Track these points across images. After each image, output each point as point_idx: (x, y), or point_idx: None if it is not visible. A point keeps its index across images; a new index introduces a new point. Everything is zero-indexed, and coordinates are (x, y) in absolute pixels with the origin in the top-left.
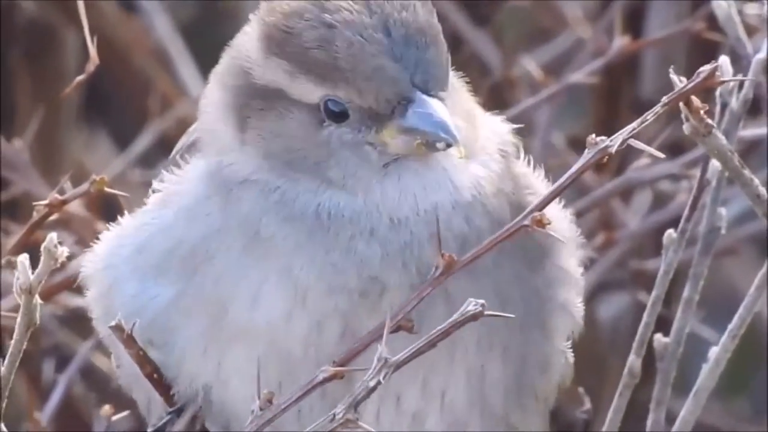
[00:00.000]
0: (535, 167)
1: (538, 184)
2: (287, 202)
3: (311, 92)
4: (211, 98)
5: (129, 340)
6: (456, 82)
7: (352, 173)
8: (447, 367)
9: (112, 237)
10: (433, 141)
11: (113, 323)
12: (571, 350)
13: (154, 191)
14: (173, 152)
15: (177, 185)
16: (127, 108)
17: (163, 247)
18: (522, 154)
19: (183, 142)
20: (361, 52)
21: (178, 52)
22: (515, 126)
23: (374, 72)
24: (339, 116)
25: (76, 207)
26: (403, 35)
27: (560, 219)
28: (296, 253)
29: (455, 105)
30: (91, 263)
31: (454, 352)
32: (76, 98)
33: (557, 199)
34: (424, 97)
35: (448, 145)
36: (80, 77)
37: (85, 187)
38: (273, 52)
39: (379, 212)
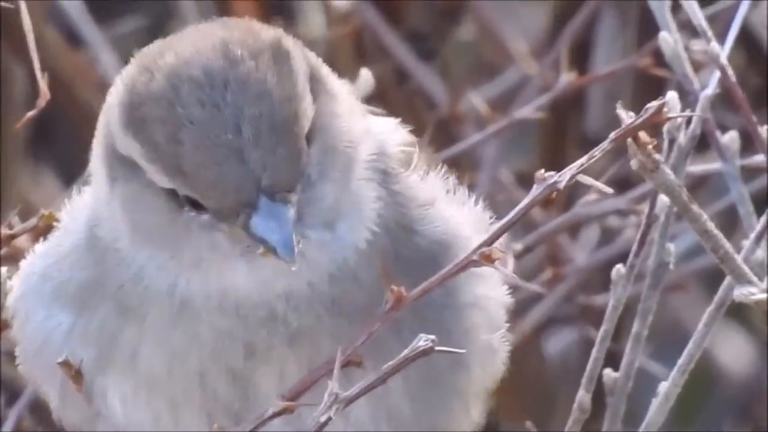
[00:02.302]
0: (426, 171)
1: (425, 191)
2: (145, 278)
3: (163, 182)
4: (97, 140)
5: (77, 377)
6: (336, 106)
7: (207, 257)
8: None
9: (26, 265)
10: (273, 253)
11: (60, 359)
12: (503, 343)
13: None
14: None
15: (70, 221)
16: (74, 141)
17: (59, 279)
18: (414, 162)
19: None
20: (206, 157)
21: None
22: (407, 136)
23: (218, 179)
24: (197, 205)
25: (24, 242)
26: (254, 134)
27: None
28: (170, 327)
29: (326, 150)
30: (12, 292)
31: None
32: (22, 132)
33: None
34: (270, 204)
35: (283, 261)
36: (31, 112)
37: (33, 221)
38: (131, 131)
39: (230, 297)
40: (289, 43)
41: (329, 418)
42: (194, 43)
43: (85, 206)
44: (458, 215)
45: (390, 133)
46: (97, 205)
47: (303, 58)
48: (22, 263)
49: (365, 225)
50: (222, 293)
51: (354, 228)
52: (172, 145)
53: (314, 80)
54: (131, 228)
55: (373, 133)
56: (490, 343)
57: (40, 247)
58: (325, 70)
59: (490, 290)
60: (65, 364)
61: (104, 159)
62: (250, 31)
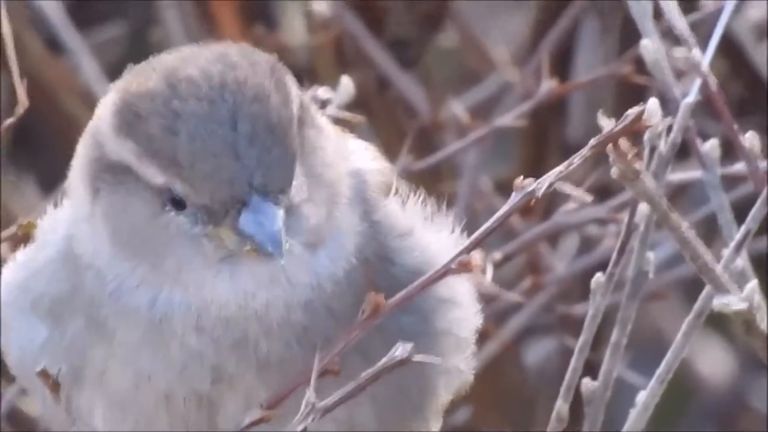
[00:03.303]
0: (407, 197)
1: (403, 221)
2: (123, 294)
3: (155, 176)
4: (78, 156)
5: (54, 386)
6: (319, 136)
7: (186, 265)
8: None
9: (7, 273)
10: (262, 252)
11: (38, 369)
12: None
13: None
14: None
15: (48, 233)
16: (54, 150)
17: (35, 292)
18: (393, 191)
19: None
20: (201, 149)
21: (104, 94)
22: (386, 164)
23: (212, 171)
24: (179, 204)
25: (4, 250)
26: (250, 131)
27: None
28: (139, 347)
29: (311, 177)
30: None
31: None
32: (2, 141)
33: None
34: (260, 201)
35: (272, 259)
36: (10, 120)
37: (12, 230)
38: (123, 131)
39: (208, 309)
40: (284, 68)
41: (305, 429)
42: (191, 51)
43: (63, 219)
44: (436, 243)
45: (370, 162)
46: (75, 225)
47: (295, 86)
48: (4, 271)
49: (344, 256)
50: (201, 306)
51: (334, 258)
52: (168, 136)
53: (303, 109)
54: (112, 239)
55: (354, 164)
56: (457, 366)
57: (20, 256)
58: (313, 107)
59: (464, 313)
60: (43, 374)
61: (87, 173)
62: (245, 47)
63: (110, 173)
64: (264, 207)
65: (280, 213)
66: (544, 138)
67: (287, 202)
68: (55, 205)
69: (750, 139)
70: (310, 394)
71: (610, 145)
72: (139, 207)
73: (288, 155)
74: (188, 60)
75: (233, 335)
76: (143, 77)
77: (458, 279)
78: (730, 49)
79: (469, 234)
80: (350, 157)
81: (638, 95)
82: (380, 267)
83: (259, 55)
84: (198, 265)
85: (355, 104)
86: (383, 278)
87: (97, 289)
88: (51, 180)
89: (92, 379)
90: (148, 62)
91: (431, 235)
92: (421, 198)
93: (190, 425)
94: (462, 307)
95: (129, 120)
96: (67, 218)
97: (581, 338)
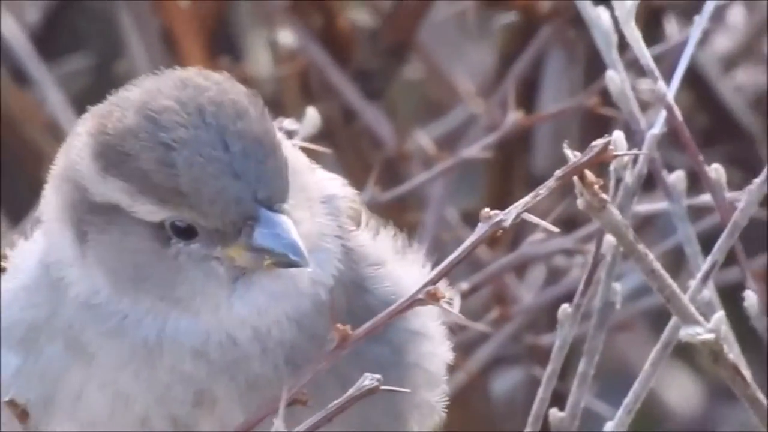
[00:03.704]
0: (377, 230)
1: (376, 252)
2: (119, 326)
3: (154, 213)
4: (49, 203)
5: (23, 416)
6: (295, 161)
7: (201, 290)
8: None
9: None
10: (284, 262)
11: (6, 398)
12: (440, 400)
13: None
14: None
15: (19, 265)
16: (20, 181)
17: (7, 322)
18: (363, 219)
19: (36, 212)
20: (202, 173)
21: (70, 125)
22: (354, 194)
23: (217, 194)
24: (186, 233)
25: None
26: (242, 149)
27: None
28: (120, 369)
29: (297, 195)
30: None
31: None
32: None
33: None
34: (270, 214)
35: (295, 265)
36: None
37: None
38: (110, 172)
39: (218, 333)
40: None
41: None
42: (153, 83)
43: (35, 250)
44: (407, 276)
45: (339, 189)
46: (63, 268)
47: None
48: None
49: (332, 265)
50: (210, 329)
51: (324, 266)
52: (164, 168)
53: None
54: (112, 278)
55: (326, 191)
56: (429, 401)
57: None
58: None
59: (434, 348)
60: (11, 404)
61: (67, 218)
62: (197, 70)
63: (97, 215)
64: (275, 219)
65: (291, 222)
66: (510, 169)
67: (287, 210)
68: (25, 237)
69: (716, 170)
70: (278, 424)
71: (576, 177)
72: (137, 244)
73: (280, 164)
74: (154, 91)
75: (230, 356)
76: (116, 116)
77: (430, 314)
78: (696, 81)
79: (436, 265)
80: (321, 183)
81: (604, 127)
82: (355, 293)
83: (214, 74)
84: (212, 289)
85: (321, 135)
86: (358, 305)
87: (83, 319)
88: (16, 211)
89: (65, 404)
90: (111, 101)
91: (402, 269)
92: (392, 232)
93: None
94: (433, 341)
95: (115, 160)
96: (39, 249)
97: (548, 368)
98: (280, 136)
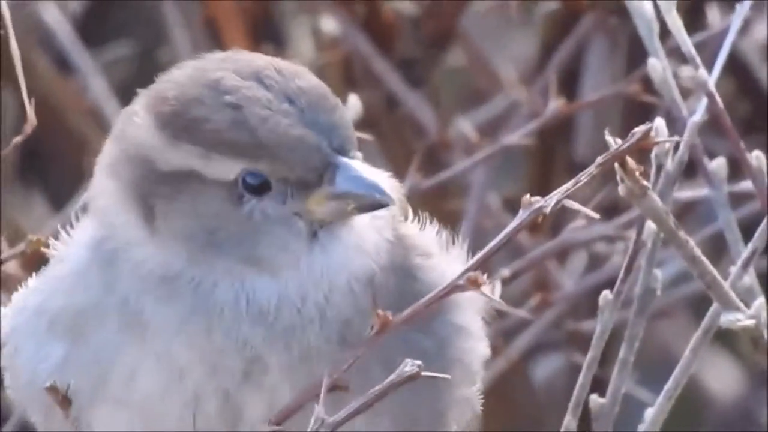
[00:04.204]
0: (424, 224)
1: (424, 242)
2: (192, 294)
3: (228, 170)
4: (104, 190)
5: (64, 402)
6: None
7: (280, 247)
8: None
9: (18, 299)
10: (369, 203)
11: (48, 384)
12: (478, 397)
13: (53, 251)
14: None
15: (67, 250)
16: (63, 168)
17: (53, 311)
18: (410, 214)
19: (81, 201)
20: (278, 125)
21: (113, 113)
22: (398, 184)
23: (298, 142)
24: (259, 189)
25: (12, 267)
26: (308, 102)
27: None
28: (176, 336)
29: None
30: (4, 326)
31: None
32: (12, 159)
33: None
34: (347, 160)
35: (383, 206)
36: (18, 138)
37: (21, 247)
38: (181, 138)
39: (293, 292)
40: None
41: None
42: (198, 63)
43: (81, 236)
44: (452, 270)
45: (387, 180)
46: (129, 252)
47: None
48: (14, 296)
49: (382, 251)
50: (287, 289)
51: (377, 245)
52: (238, 126)
53: None
54: (187, 247)
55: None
56: (467, 397)
57: (33, 282)
58: None
59: (475, 344)
60: (53, 390)
61: (131, 197)
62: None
63: (168, 185)
64: (353, 164)
65: (368, 166)
66: (551, 156)
67: (360, 157)
68: (70, 226)
69: (757, 157)
70: (319, 410)
71: (617, 163)
72: (210, 207)
73: (345, 114)
74: (203, 67)
75: (290, 322)
76: (173, 91)
77: (473, 309)
78: (737, 69)
79: (477, 252)
80: None
81: (645, 114)
82: (406, 279)
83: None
84: (291, 244)
85: (364, 123)
86: (408, 292)
87: (139, 288)
88: (60, 197)
89: (117, 388)
90: (161, 81)
91: (447, 263)
92: (437, 226)
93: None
94: (474, 337)
95: (184, 127)
96: (87, 236)
97: (589, 355)
98: None
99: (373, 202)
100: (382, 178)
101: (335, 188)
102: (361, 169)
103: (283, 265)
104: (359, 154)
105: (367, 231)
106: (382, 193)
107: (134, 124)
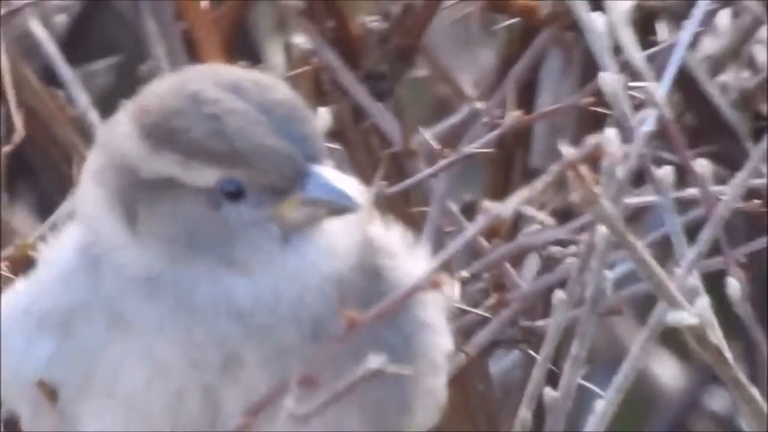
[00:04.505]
0: (389, 227)
1: (391, 243)
2: (184, 293)
3: (207, 177)
4: (90, 197)
5: (52, 395)
6: None
7: (254, 249)
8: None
9: (8, 299)
10: (338, 208)
11: (38, 380)
12: (445, 388)
13: (40, 254)
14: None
15: (55, 253)
16: (50, 176)
17: (42, 311)
18: (375, 216)
19: (67, 207)
20: (254, 135)
21: (96, 123)
22: (374, 190)
23: (272, 152)
24: (236, 195)
25: (1, 269)
26: (282, 115)
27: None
28: (158, 333)
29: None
30: None
31: None
32: (1, 165)
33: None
34: (319, 168)
35: (351, 211)
36: (6, 147)
37: (10, 250)
38: (162, 147)
39: (266, 292)
40: None
41: None
42: (177, 77)
43: (69, 241)
44: (416, 270)
45: (355, 186)
46: (113, 255)
47: None
48: (3, 297)
49: (351, 252)
50: (262, 289)
51: (350, 241)
52: (215, 136)
53: None
54: (167, 248)
55: None
56: (433, 388)
57: (22, 284)
58: None
59: (439, 338)
60: (41, 384)
61: (115, 203)
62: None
63: (150, 191)
64: (323, 172)
65: (338, 173)
66: (509, 164)
67: (331, 166)
68: (57, 231)
69: (702, 166)
70: (289, 402)
71: (570, 171)
72: (190, 211)
73: (316, 126)
74: (187, 80)
75: (265, 320)
76: (156, 102)
77: (436, 306)
78: (685, 82)
79: (438, 254)
80: None
81: (597, 124)
82: (374, 279)
83: (234, 67)
84: (265, 247)
85: (333, 133)
86: (376, 292)
87: (121, 289)
88: (46, 203)
89: (104, 381)
90: (144, 94)
91: (413, 263)
92: (401, 228)
93: (194, 426)
94: (438, 332)
95: (165, 137)
96: (74, 241)
97: (543, 351)
98: None
99: (342, 208)
100: (351, 185)
101: (306, 194)
102: (331, 176)
103: (258, 266)
104: (330, 162)
105: (338, 234)
106: (350, 199)
107: (119, 134)
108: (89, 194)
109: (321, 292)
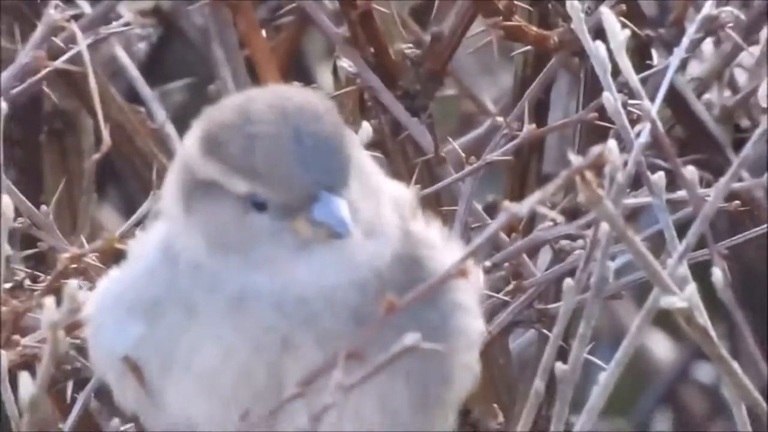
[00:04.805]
0: (430, 223)
1: (431, 236)
2: (220, 281)
3: (239, 186)
4: (169, 185)
5: (137, 371)
6: (365, 164)
7: (271, 255)
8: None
9: (103, 286)
10: (334, 233)
11: (124, 356)
12: (478, 362)
13: (130, 248)
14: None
15: (140, 252)
16: (133, 180)
17: (132, 299)
18: (419, 214)
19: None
20: (276, 161)
21: (174, 135)
22: (415, 192)
23: (285, 176)
24: (260, 206)
25: (91, 259)
26: (312, 145)
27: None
28: (224, 321)
29: (362, 188)
30: (88, 308)
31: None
32: (92, 171)
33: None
34: (328, 195)
35: (342, 237)
36: (96, 156)
37: (98, 243)
38: (210, 154)
39: (288, 291)
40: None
41: (334, 402)
42: (254, 92)
43: (154, 239)
44: (451, 258)
45: (402, 190)
46: (174, 237)
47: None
48: (99, 283)
49: (391, 246)
50: (282, 287)
51: (383, 246)
52: (246, 154)
53: (350, 133)
54: (207, 240)
55: (389, 188)
56: (468, 363)
57: (115, 272)
58: (357, 139)
59: (472, 320)
60: (126, 359)
61: (180, 195)
62: (294, 87)
63: (201, 190)
64: (331, 199)
65: (344, 203)
66: (525, 170)
67: (348, 196)
68: (144, 229)
69: (690, 172)
70: (337, 374)
71: (578, 176)
72: (227, 213)
73: (343, 160)
74: (253, 98)
75: (303, 313)
76: (218, 114)
77: (471, 292)
78: (675, 100)
79: (465, 247)
80: (389, 185)
81: (601, 136)
82: (414, 269)
83: (306, 90)
84: (281, 254)
85: (373, 145)
86: (416, 279)
87: (192, 282)
88: (130, 204)
89: (183, 362)
90: (218, 106)
91: (448, 252)
92: (439, 225)
93: (263, 398)
94: (471, 313)
95: (213, 146)
96: (158, 237)
97: (555, 330)
98: (355, 143)
99: (336, 233)
100: (348, 214)
101: (311, 216)
102: (336, 204)
103: (274, 270)
104: (344, 193)
105: (384, 227)
106: (344, 228)
107: (189, 138)
108: (169, 185)
109: (355, 284)
